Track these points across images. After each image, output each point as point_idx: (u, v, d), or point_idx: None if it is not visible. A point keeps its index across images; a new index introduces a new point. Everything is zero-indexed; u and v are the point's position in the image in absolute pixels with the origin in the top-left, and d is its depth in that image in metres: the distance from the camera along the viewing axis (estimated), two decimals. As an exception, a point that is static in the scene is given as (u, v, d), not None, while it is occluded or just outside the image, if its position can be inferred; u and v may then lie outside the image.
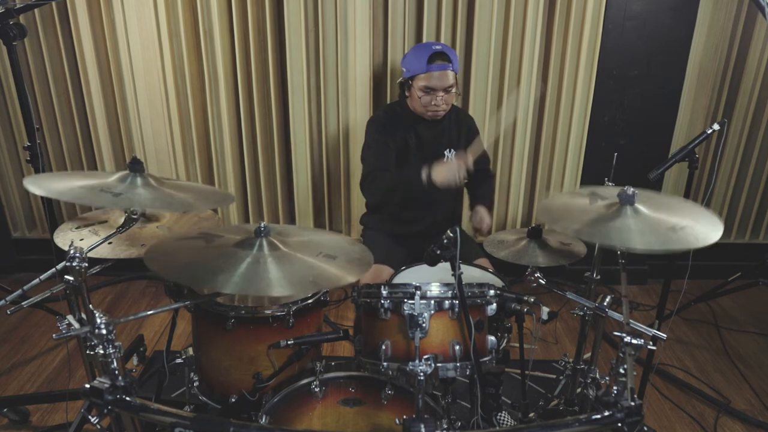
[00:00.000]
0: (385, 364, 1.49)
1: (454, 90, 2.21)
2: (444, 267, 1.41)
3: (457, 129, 2.35)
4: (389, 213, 2.41)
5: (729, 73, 2.99)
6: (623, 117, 2.96)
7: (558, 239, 1.90)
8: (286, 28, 2.78)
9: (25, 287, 1.67)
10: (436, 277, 1.59)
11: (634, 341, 1.18)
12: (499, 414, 2.05)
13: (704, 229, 1.47)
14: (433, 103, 2.19)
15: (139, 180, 1.43)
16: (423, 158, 2.29)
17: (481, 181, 2.45)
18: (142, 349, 2.38)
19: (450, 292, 1.48)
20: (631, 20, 2.78)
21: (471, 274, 2.00)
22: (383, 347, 1.49)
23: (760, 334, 2.86)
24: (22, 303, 1.60)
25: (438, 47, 2.17)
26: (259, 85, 2.90)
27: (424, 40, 2.81)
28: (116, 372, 1.18)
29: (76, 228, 1.79)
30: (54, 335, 1.28)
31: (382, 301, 1.49)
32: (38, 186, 1.29)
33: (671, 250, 1.39)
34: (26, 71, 2.87)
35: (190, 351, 1.77)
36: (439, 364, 1.45)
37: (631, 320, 1.35)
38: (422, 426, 1.14)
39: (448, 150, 2.32)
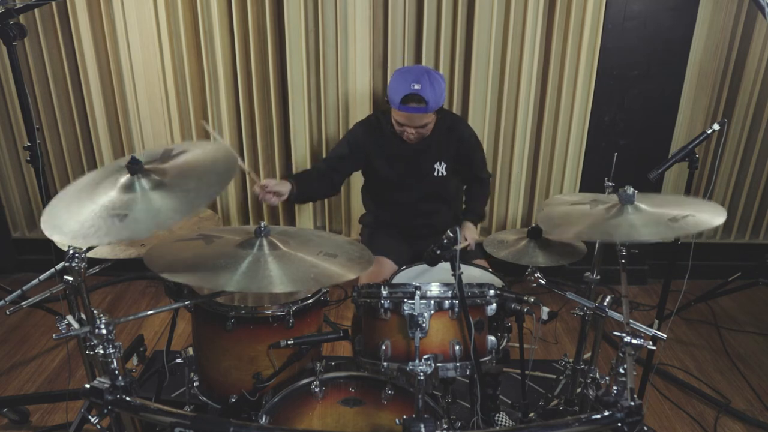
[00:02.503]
0: (385, 364, 1.49)
1: (429, 126, 2.14)
2: (444, 267, 1.41)
3: (447, 140, 2.27)
4: (388, 220, 2.41)
5: (729, 73, 2.99)
6: (623, 117, 2.96)
7: (558, 239, 1.90)
8: (286, 28, 2.78)
9: (24, 287, 1.67)
10: (436, 277, 1.59)
11: (634, 341, 1.19)
12: (498, 415, 2.05)
13: (706, 216, 1.47)
14: (405, 135, 2.16)
15: (144, 182, 1.27)
16: (410, 169, 2.28)
17: (475, 188, 2.42)
18: (142, 349, 2.37)
19: (450, 292, 1.48)
20: (631, 20, 2.78)
21: (471, 274, 2.00)
22: (383, 347, 1.49)
23: (760, 334, 2.86)
24: (22, 303, 1.61)
25: (416, 87, 2.01)
26: (259, 85, 2.90)
27: (424, 41, 2.80)
28: (116, 372, 1.18)
29: (76, 228, 1.78)
30: (54, 335, 1.28)
31: (382, 301, 1.49)
32: (55, 230, 1.19)
33: (676, 236, 1.39)
34: (26, 71, 2.87)
35: (190, 351, 1.78)
36: (439, 364, 1.46)
37: (631, 320, 1.35)
38: (422, 426, 1.14)
39: (438, 163, 2.26)
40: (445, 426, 1.20)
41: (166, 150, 1.42)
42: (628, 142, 3.00)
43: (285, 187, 2.06)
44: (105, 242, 1.19)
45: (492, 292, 1.57)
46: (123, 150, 3.04)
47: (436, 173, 2.27)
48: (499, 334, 1.68)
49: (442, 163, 2.26)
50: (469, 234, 2.26)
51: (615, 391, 1.18)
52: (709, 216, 1.47)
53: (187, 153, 1.40)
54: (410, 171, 2.28)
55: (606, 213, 1.54)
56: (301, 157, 3.02)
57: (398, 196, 2.33)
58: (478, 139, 2.39)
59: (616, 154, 1.92)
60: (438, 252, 1.38)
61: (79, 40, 2.81)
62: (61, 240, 1.18)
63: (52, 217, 1.24)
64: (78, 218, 1.20)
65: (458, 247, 1.38)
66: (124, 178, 1.27)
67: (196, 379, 1.78)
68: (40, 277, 1.62)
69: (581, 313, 1.74)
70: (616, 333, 1.25)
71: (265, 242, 1.42)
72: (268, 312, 1.65)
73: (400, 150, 2.24)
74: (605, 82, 2.89)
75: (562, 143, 3.03)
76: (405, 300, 1.47)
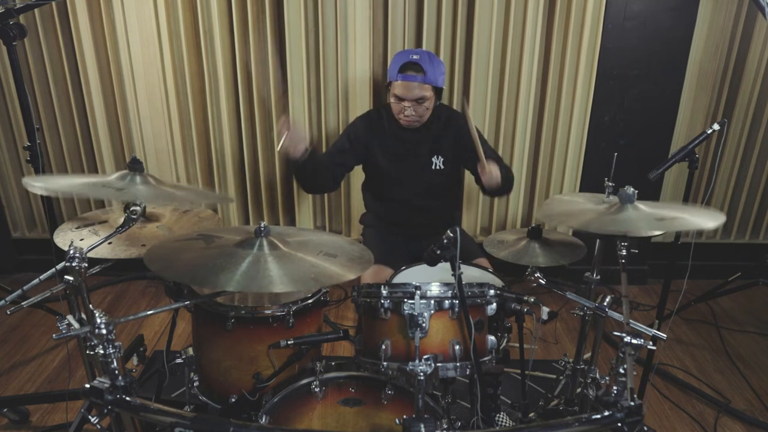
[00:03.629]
0: (385, 364, 1.49)
1: (426, 103, 2.15)
2: (444, 267, 1.41)
3: (445, 133, 2.28)
4: (387, 216, 2.41)
5: (729, 73, 2.99)
6: (623, 117, 2.96)
7: (558, 239, 1.90)
8: (286, 28, 2.78)
9: (25, 287, 1.66)
10: (436, 277, 1.59)
11: (634, 341, 1.19)
12: (498, 415, 2.05)
13: (699, 219, 1.48)
14: (403, 113, 2.17)
15: (138, 179, 1.43)
16: (408, 163, 2.29)
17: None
18: (142, 349, 2.37)
19: (450, 291, 1.48)
20: (631, 20, 2.78)
21: (471, 274, 2.00)
22: (383, 347, 1.49)
23: (760, 334, 2.86)
24: (22, 303, 1.60)
25: (415, 57, 2.09)
26: (259, 85, 2.90)
27: (424, 40, 2.81)
28: (116, 372, 1.18)
29: (76, 228, 1.79)
30: (54, 335, 1.28)
31: (382, 301, 1.49)
32: (39, 181, 1.29)
33: (664, 231, 1.40)
34: (26, 71, 2.87)
35: (190, 351, 1.77)
36: (439, 364, 1.45)
37: (631, 320, 1.35)
38: (422, 426, 1.14)
39: (435, 156, 2.27)
40: (445, 426, 1.20)
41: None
42: (628, 142, 3.00)
43: (303, 143, 2.03)
44: (88, 195, 1.32)
45: (492, 292, 1.57)
46: (123, 150, 3.04)
47: (434, 167, 2.28)
48: (499, 334, 1.68)
49: (440, 156, 2.27)
50: (494, 167, 2.04)
51: (615, 391, 1.18)
52: (701, 220, 1.47)
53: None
54: (408, 164, 2.28)
55: (606, 210, 1.55)
56: (301, 157, 3.02)
57: (397, 190, 2.33)
58: (481, 133, 2.37)
59: (616, 154, 1.92)
60: (438, 252, 1.38)
61: (79, 40, 2.81)
62: (47, 191, 1.32)
63: (38, 178, 1.39)
64: (70, 183, 1.35)
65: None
66: (122, 171, 1.36)
67: (196, 379, 1.78)
68: (41, 277, 1.61)
69: (581, 313, 1.74)
70: (616, 333, 1.25)
71: (265, 242, 1.42)
72: (268, 312, 1.65)
73: (399, 144, 2.26)
74: (605, 82, 2.89)
75: (562, 143, 3.03)
76: (405, 300, 1.47)
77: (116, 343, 1.20)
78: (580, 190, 3.10)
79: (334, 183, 2.35)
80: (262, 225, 1.45)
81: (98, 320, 1.18)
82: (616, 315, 1.52)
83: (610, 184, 1.78)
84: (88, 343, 1.21)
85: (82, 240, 1.71)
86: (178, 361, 1.76)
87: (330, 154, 2.33)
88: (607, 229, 1.47)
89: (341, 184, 3.04)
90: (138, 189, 1.42)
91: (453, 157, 2.31)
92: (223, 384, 1.72)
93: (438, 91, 2.19)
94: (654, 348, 2.12)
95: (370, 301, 1.54)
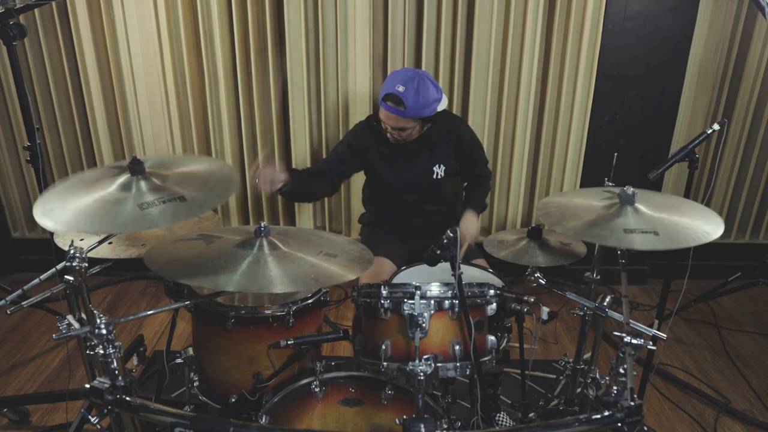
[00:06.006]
0: (385, 364, 1.49)
1: (407, 131, 2.11)
2: (444, 267, 1.41)
3: (446, 142, 2.26)
4: (387, 217, 2.41)
5: (729, 73, 2.99)
6: (623, 117, 2.96)
7: (558, 239, 1.90)
8: (286, 28, 2.78)
9: (25, 287, 1.67)
10: (436, 277, 1.59)
11: (634, 341, 1.19)
12: (498, 415, 2.05)
13: (688, 231, 1.46)
14: (386, 132, 2.16)
15: (143, 185, 1.29)
16: (408, 171, 2.28)
17: (475, 183, 2.41)
18: (142, 349, 2.37)
19: (450, 292, 1.48)
20: (631, 20, 2.78)
21: (471, 274, 2.00)
22: (383, 347, 1.49)
23: (760, 334, 2.86)
24: (22, 303, 1.61)
25: (400, 89, 2.00)
26: (259, 85, 2.90)
27: (424, 40, 2.80)
28: (116, 372, 1.18)
29: (76, 228, 1.78)
30: (54, 335, 1.28)
31: (382, 301, 1.49)
32: (50, 218, 1.20)
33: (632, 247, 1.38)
34: (26, 71, 2.87)
35: (190, 351, 1.78)
36: (439, 364, 1.45)
37: (631, 320, 1.35)
38: (422, 426, 1.14)
39: (437, 166, 2.25)
40: (445, 426, 1.20)
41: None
42: (628, 142, 3.00)
43: (279, 178, 2.02)
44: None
45: (492, 292, 1.57)
46: (123, 150, 3.04)
47: (435, 176, 2.26)
48: (499, 334, 1.67)
49: (441, 165, 2.25)
50: (469, 227, 2.21)
51: (615, 391, 1.18)
52: (689, 234, 1.43)
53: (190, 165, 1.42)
54: (409, 173, 2.27)
55: (605, 211, 1.53)
56: (301, 157, 3.02)
57: (397, 196, 2.33)
58: (478, 139, 2.38)
59: (616, 154, 1.92)
60: (438, 252, 1.38)
61: (79, 40, 2.81)
62: (52, 227, 1.20)
63: (46, 206, 1.25)
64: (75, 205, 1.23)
65: (458, 252, 1.37)
66: (124, 178, 1.29)
67: (196, 379, 1.78)
68: (41, 277, 1.62)
69: (581, 313, 1.74)
70: (616, 333, 1.25)
71: (265, 242, 1.42)
72: (268, 312, 1.65)
73: (399, 151, 2.24)
74: (605, 82, 2.89)
75: (562, 143, 3.03)
76: (405, 300, 1.47)
77: (116, 343, 1.20)
78: (580, 190, 3.11)
79: (333, 189, 2.35)
80: (262, 225, 1.45)
81: (98, 320, 1.19)
82: (616, 315, 1.52)
83: (610, 184, 1.78)
84: (88, 343, 1.21)
85: (82, 240, 1.71)
86: (178, 361, 1.76)
87: (331, 161, 2.30)
88: (600, 239, 1.43)
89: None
90: (150, 212, 1.23)
91: (455, 166, 2.29)
92: (223, 384, 1.72)
93: (424, 119, 2.12)
94: (654, 348, 2.12)
95: (370, 301, 1.54)
